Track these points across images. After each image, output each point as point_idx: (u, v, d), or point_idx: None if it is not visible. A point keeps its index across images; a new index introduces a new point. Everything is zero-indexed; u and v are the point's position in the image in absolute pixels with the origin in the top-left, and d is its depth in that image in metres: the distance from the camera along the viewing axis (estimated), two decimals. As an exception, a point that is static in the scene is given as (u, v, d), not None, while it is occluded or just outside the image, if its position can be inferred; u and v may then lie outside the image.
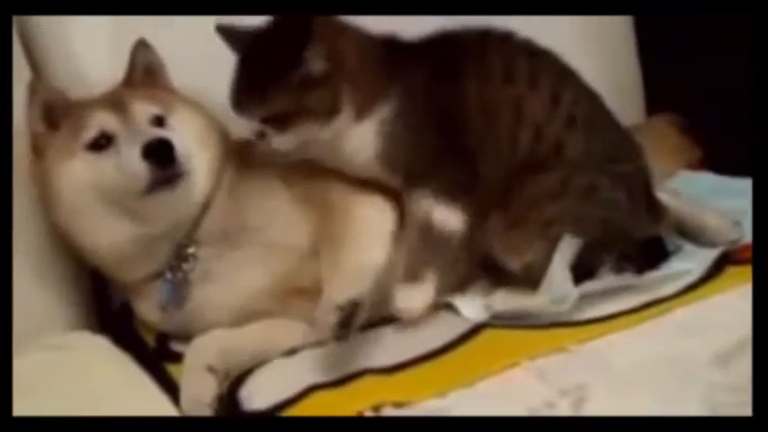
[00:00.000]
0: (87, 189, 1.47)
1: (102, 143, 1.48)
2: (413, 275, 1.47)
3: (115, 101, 1.52)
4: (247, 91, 1.43)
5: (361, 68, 1.45)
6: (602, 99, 1.56)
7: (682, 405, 1.21)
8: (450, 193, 1.47)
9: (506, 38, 1.53)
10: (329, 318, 1.34)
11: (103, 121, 1.49)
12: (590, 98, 1.55)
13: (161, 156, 1.42)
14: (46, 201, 1.52)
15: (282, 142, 1.43)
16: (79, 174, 1.48)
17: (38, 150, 1.53)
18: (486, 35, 1.53)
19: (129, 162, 1.43)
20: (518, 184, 1.47)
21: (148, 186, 1.43)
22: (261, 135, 1.44)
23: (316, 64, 1.40)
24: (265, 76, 1.41)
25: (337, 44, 1.43)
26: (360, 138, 1.46)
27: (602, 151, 1.50)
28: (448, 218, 1.47)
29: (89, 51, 1.74)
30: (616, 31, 2.10)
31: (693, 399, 1.21)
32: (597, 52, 1.99)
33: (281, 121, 1.42)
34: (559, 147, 1.47)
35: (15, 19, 1.71)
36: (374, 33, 1.52)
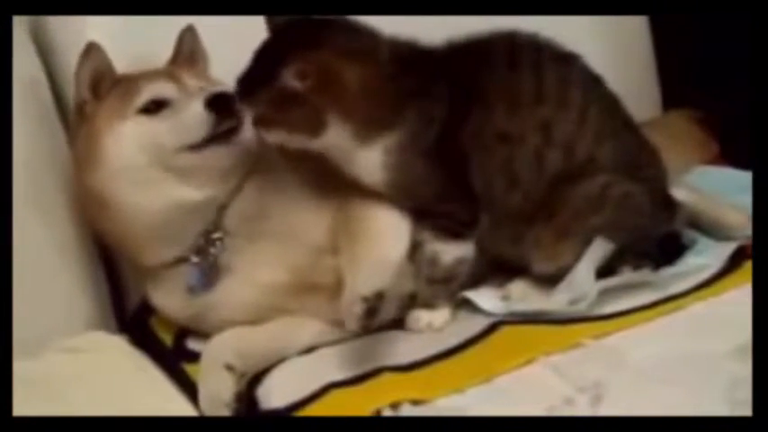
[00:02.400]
0: (138, 149, 1.48)
1: (152, 108, 1.49)
2: (428, 305, 1.50)
3: (167, 73, 1.55)
4: (241, 85, 1.43)
5: (364, 95, 1.41)
6: (622, 103, 1.55)
7: (702, 400, 1.21)
8: (452, 232, 1.47)
9: (537, 49, 1.49)
10: (355, 309, 1.35)
11: (157, 88, 1.51)
12: (615, 106, 1.53)
13: (223, 107, 1.44)
14: (87, 165, 1.51)
15: (268, 137, 1.44)
16: (130, 135, 1.48)
17: (82, 115, 1.54)
18: (514, 47, 1.49)
19: (192, 114, 1.45)
20: (558, 198, 1.46)
21: (208, 137, 1.45)
22: (256, 123, 1.44)
23: (289, 81, 1.38)
24: (254, 78, 1.42)
25: (332, 66, 1.39)
26: (365, 163, 1.44)
27: (628, 158, 1.50)
28: (452, 252, 1.48)
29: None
30: (631, 23, 2.09)
31: (714, 394, 1.21)
32: (612, 46, 1.98)
33: (266, 122, 1.42)
34: (591, 158, 1.47)
35: (28, 18, 1.71)
36: (393, 43, 1.47)
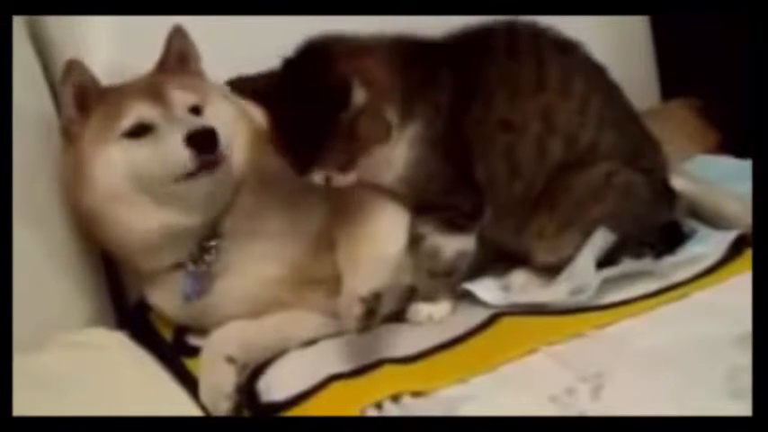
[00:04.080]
0: (123, 175, 1.48)
1: (138, 131, 1.48)
2: (429, 298, 1.50)
3: (152, 90, 1.52)
4: (306, 159, 1.39)
5: (392, 83, 1.41)
6: (624, 92, 1.55)
7: (704, 389, 1.21)
8: (455, 225, 1.47)
9: (537, 35, 1.49)
10: (353, 309, 1.35)
11: (142, 110, 1.49)
12: (617, 95, 1.53)
13: (205, 144, 1.43)
14: (76, 186, 1.51)
15: (350, 177, 1.41)
16: (116, 160, 1.48)
17: (69, 135, 1.54)
18: (515, 35, 1.49)
19: (173, 149, 1.44)
20: (560, 187, 1.46)
21: (188, 172, 1.44)
22: (327, 180, 1.41)
23: (358, 97, 1.36)
24: (315, 137, 1.37)
25: (363, 66, 1.39)
26: (389, 158, 1.44)
27: (630, 147, 1.50)
28: (454, 245, 1.48)
29: (100, 51, 1.74)
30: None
31: (715, 382, 1.21)
32: (611, 35, 1.98)
33: (347, 163, 1.40)
34: (593, 146, 1.47)
35: (27, 19, 1.71)
36: (391, 39, 1.47)
